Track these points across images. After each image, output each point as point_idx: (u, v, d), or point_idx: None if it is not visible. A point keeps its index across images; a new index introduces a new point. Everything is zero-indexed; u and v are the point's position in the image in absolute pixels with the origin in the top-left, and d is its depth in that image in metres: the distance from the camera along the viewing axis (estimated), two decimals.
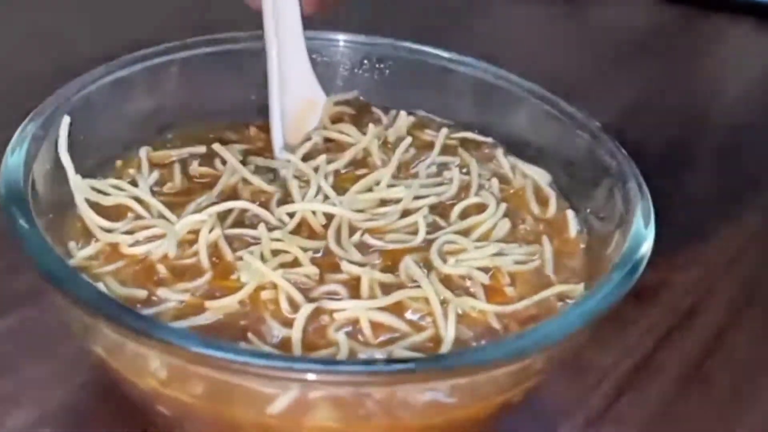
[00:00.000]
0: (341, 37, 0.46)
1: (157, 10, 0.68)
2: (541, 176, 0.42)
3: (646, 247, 0.34)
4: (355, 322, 0.33)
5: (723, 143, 0.63)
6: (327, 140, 0.42)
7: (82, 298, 0.29)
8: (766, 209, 0.56)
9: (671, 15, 0.81)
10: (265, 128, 0.43)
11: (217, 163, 0.41)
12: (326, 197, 0.38)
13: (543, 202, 0.41)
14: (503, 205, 0.39)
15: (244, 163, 0.40)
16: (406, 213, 0.38)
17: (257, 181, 0.39)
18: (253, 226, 0.37)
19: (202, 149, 0.41)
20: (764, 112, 0.69)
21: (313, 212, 0.37)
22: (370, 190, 0.39)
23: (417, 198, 0.39)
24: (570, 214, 0.40)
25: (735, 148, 0.63)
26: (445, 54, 0.46)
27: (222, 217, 0.37)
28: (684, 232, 0.51)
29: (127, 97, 0.41)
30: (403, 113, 0.44)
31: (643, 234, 0.34)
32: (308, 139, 0.42)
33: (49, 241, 0.31)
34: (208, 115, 0.44)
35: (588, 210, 0.40)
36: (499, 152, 0.43)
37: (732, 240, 0.52)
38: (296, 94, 0.43)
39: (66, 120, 0.37)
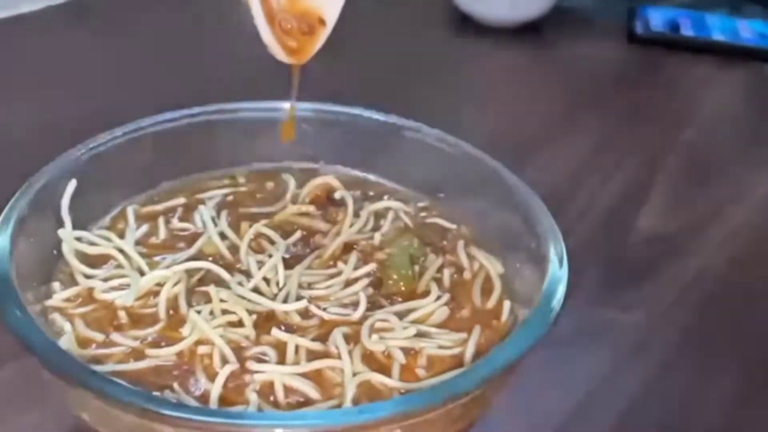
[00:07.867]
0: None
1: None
2: (494, 266, 0.45)
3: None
4: (271, 384, 0.37)
5: (679, 181, 0.66)
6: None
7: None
8: (709, 251, 0.58)
9: (638, 55, 0.87)
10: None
11: (196, 215, 0.46)
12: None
13: (488, 291, 0.44)
14: (446, 296, 0.43)
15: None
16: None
17: (222, 247, 0.44)
18: (224, 282, 0.42)
19: (182, 200, 0.47)
20: (724, 147, 0.71)
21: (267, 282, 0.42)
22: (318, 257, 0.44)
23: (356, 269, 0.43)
24: (506, 304, 0.43)
25: (689, 186, 0.65)
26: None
27: (194, 271, 0.42)
28: (632, 273, 0.55)
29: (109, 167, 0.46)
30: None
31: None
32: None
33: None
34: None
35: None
36: (460, 244, 0.46)
37: (676, 281, 0.54)
38: None
39: (73, 182, 0.43)
